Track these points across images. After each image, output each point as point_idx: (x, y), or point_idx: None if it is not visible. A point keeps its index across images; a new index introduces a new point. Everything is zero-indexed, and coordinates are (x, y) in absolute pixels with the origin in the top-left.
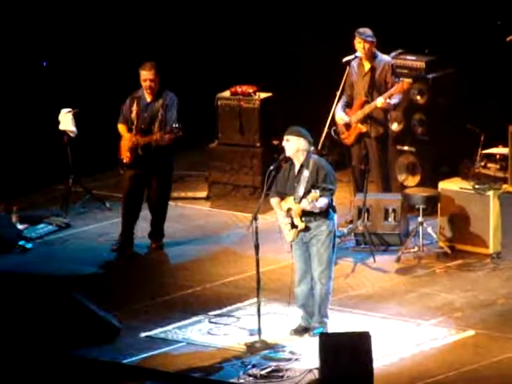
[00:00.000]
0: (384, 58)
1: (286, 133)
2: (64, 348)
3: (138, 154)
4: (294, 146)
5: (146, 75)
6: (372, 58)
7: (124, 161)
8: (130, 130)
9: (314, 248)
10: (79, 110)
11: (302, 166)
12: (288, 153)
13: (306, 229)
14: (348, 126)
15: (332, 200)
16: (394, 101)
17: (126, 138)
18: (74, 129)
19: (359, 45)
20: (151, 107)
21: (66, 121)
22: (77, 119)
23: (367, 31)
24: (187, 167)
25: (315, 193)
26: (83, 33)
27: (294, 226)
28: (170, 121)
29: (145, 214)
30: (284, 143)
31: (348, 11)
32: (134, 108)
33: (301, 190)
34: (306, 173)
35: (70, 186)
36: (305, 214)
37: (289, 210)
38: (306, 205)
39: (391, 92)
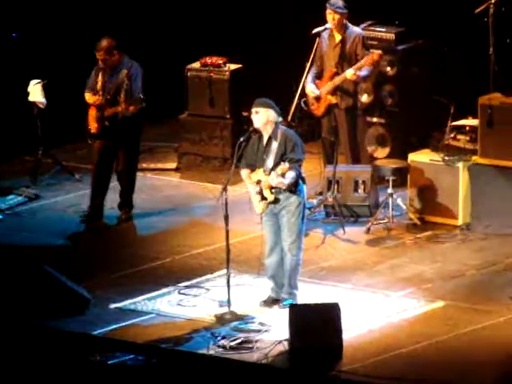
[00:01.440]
0: (355, 29)
1: (254, 105)
2: (34, 319)
3: (104, 124)
4: (263, 117)
5: (97, 55)
6: (343, 29)
7: (91, 131)
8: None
9: (283, 219)
10: (48, 81)
11: (270, 138)
12: (257, 124)
13: (276, 201)
14: (318, 98)
15: (301, 171)
16: (364, 73)
17: (93, 105)
18: (43, 100)
19: (330, 16)
20: (115, 78)
21: (36, 92)
22: (46, 90)
23: (338, 2)
24: (157, 138)
25: (284, 165)
26: (53, 4)
27: (263, 197)
28: (135, 91)
29: (114, 185)
30: (253, 116)
31: None
32: (100, 79)
33: (270, 162)
34: (274, 144)
35: (39, 158)
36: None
37: (258, 181)
38: (273, 179)
39: (361, 64)
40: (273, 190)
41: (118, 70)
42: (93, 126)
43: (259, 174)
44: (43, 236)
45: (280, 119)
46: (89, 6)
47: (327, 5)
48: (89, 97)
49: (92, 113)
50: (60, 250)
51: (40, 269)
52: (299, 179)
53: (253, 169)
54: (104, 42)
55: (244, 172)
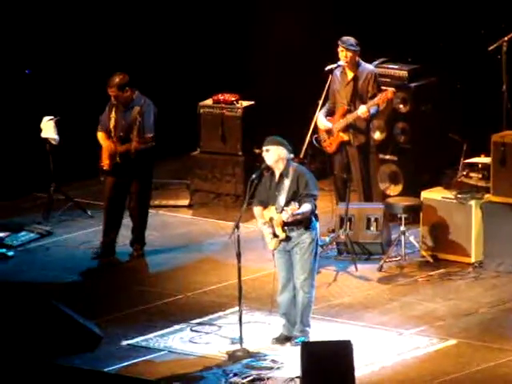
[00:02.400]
0: (367, 66)
1: (265, 143)
2: (45, 356)
3: (116, 161)
4: (274, 154)
5: (109, 91)
6: (355, 66)
7: (104, 168)
8: (109, 137)
9: (296, 256)
10: (61, 118)
11: (282, 175)
12: (268, 162)
13: (287, 238)
14: (330, 132)
15: (315, 207)
16: (372, 110)
17: (105, 146)
18: (55, 136)
19: (342, 53)
20: (128, 115)
21: (48, 128)
22: (59, 127)
23: (350, 40)
24: (169, 175)
25: (294, 205)
26: (66, 41)
27: (275, 235)
28: (147, 128)
29: (126, 222)
30: (264, 154)
31: (332, 20)
32: (113, 115)
33: (282, 200)
34: (286, 182)
35: (51, 194)
36: (287, 223)
37: (271, 219)
38: (285, 216)
39: (375, 101)
40: (285, 228)
41: (131, 107)
42: (105, 162)
43: (271, 211)
44: (55, 273)
45: (291, 156)
46: (103, 42)
47: (339, 42)
48: (102, 139)
49: (104, 150)
50: (72, 286)
51: (51, 305)
52: (312, 215)
53: (265, 206)
54: (116, 79)
55: (257, 209)
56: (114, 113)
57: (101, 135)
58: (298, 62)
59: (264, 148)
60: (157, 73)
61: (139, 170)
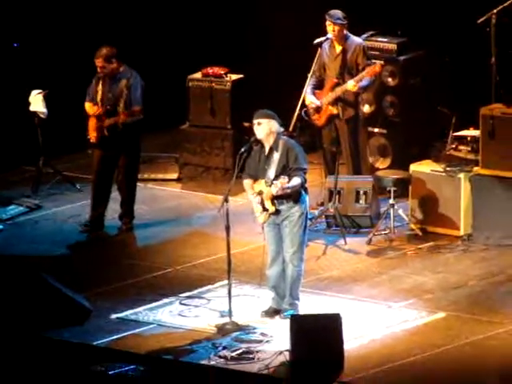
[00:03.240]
0: (355, 39)
1: (256, 116)
2: (34, 329)
3: (104, 134)
4: (266, 128)
5: (96, 62)
6: (343, 40)
7: (91, 140)
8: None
9: (286, 229)
10: (50, 91)
11: (271, 149)
12: (259, 136)
13: (277, 212)
14: (318, 109)
15: (305, 181)
16: (363, 83)
17: (92, 115)
18: (44, 110)
19: (329, 27)
20: (115, 88)
21: (37, 102)
22: (47, 100)
23: (337, 13)
24: (158, 149)
25: (284, 179)
26: (55, 14)
27: (265, 208)
28: (134, 101)
29: (115, 196)
30: (255, 127)
31: None
32: (99, 88)
33: (272, 173)
34: (276, 155)
35: (40, 168)
36: (276, 196)
37: (260, 192)
38: (275, 190)
39: (363, 75)
40: (274, 201)
41: (118, 80)
42: (92, 135)
43: (261, 184)
44: (44, 246)
45: (282, 130)
46: (91, 16)
47: (326, 16)
48: (89, 107)
49: (92, 122)
50: (61, 260)
51: (41, 278)
52: (302, 189)
53: (255, 179)
54: (103, 50)
55: (246, 182)
56: (100, 85)
57: (88, 105)
58: (286, 34)
59: (255, 121)
60: (146, 46)
61: (127, 143)
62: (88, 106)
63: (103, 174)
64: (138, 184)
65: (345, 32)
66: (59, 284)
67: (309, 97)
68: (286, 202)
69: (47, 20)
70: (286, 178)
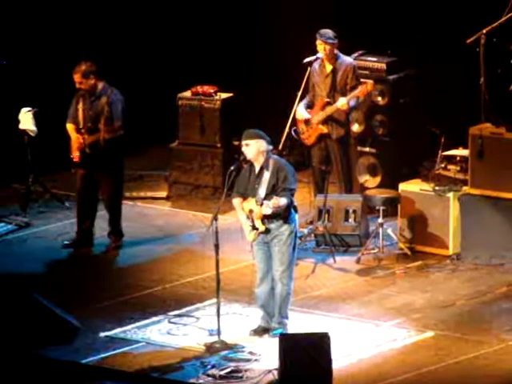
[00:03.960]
0: (346, 59)
1: (244, 137)
2: (23, 347)
3: (86, 152)
4: (254, 148)
5: (74, 78)
6: (333, 59)
7: (74, 160)
8: (78, 129)
9: (275, 248)
10: (39, 109)
11: (262, 168)
12: (249, 156)
13: (267, 231)
14: (308, 124)
15: (293, 200)
16: (352, 103)
17: (74, 138)
18: (34, 128)
19: (320, 46)
20: (96, 105)
21: (26, 120)
22: (37, 118)
23: (328, 33)
24: (148, 167)
25: (275, 199)
26: (43, 32)
27: (254, 227)
28: (115, 117)
29: (104, 214)
30: (243, 148)
31: (310, 12)
32: (80, 106)
33: (262, 192)
34: (266, 174)
35: (29, 186)
36: (266, 216)
37: (250, 211)
38: (266, 209)
39: (355, 94)
40: (264, 221)
41: (98, 97)
42: (75, 154)
43: (251, 203)
44: (33, 264)
45: (271, 148)
46: (81, 33)
47: (317, 35)
48: (70, 128)
49: (74, 142)
50: (49, 278)
51: (29, 296)
52: (291, 208)
53: (244, 197)
54: (82, 65)
55: (236, 201)
56: (81, 103)
57: (69, 127)
58: (276, 53)
59: (243, 142)
60: (136, 64)
61: (109, 160)
62: (70, 127)
63: (86, 193)
64: (127, 202)
65: (335, 51)
66: (48, 302)
67: (300, 110)
68: (276, 221)
69: (35, 37)
70: (279, 199)
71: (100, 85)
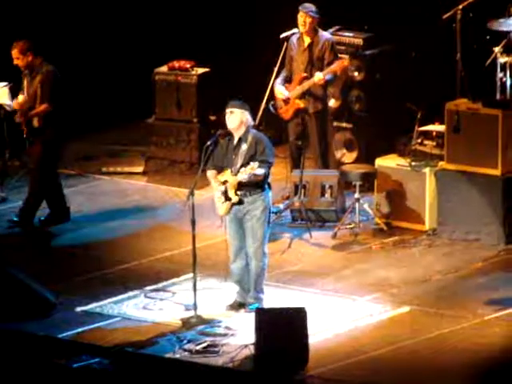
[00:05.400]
0: (324, 34)
1: (229, 105)
2: None
3: (29, 128)
4: (238, 117)
5: (12, 54)
6: (313, 33)
7: (25, 136)
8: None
9: (248, 224)
10: (15, 84)
11: (240, 140)
12: (231, 125)
13: (240, 202)
14: (287, 100)
15: (268, 174)
16: (328, 77)
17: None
18: (10, 102)
19: (301, 18)
20: (32, 84)
21: (2, 95)
22: (13, 93)
23: (311, 6)
24: (124, 142)
25: (253, 164)
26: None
27: (227, 198)
28: (42, 98)
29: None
30: (227, 116)
31: None
32: (25, 84)
33: (238, 163)
34: (244, 146)
35: (6, 160)
36: (240, 187)
37: (225, 182)
38: (242, 176)
39: (331, 69)
40: (238, 192)
41: (36, 75)
42: (24, 131)
43: (226, 174)
44: (8, 238)
45: (252, 123)
46: (56, 9)
47: (300, 8)
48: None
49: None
50: (26, 253)
51: (4, 270)
52: (266, 183)
53: (219, 170)
54: (20, 42)
55: (210, 172)
56: (25, 81)
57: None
58: (253, 28)
59: (228, 110)
60: (112, 39)
61: (42, 137)
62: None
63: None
64: (104, 177)
65: (315, 26)
66: (23, 276)
67: (278, 87)
68: (249, 195)
69: (10, 10)
70: (256, 164)
71: (37, 61)
